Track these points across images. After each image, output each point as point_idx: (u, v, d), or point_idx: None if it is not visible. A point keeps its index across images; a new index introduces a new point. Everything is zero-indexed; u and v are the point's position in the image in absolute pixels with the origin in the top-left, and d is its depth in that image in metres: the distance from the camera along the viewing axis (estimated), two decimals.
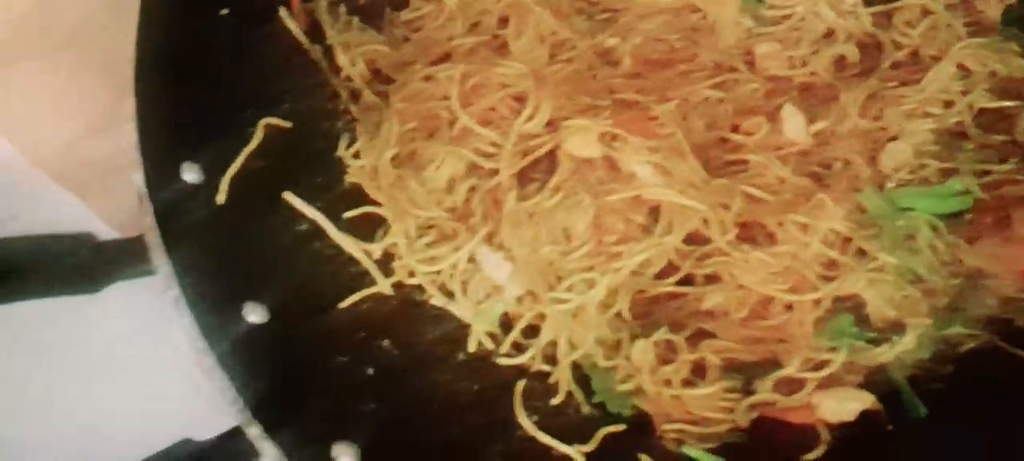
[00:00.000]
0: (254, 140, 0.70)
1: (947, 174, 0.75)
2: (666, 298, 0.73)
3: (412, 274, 0.72)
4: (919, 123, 0.77)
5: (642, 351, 0.70)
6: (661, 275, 0.72)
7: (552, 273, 0.71)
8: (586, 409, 0.69)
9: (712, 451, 0.67)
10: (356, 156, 0.76)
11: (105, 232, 0.75)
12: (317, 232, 0.71)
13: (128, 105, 0.63)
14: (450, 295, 0.72)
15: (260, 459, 0.59)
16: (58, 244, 0.67)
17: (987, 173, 0.75)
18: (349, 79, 0.79)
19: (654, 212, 0.72)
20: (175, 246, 0.61)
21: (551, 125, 0.74)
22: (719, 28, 0.81)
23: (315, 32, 0.79)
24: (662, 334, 0.70)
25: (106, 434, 0.75)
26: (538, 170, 0.74)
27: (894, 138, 0.77)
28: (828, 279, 0.71)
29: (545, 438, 0.67)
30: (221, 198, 0.67)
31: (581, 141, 0.72)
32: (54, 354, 0.77)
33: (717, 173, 0.74)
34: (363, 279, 0.71)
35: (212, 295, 0.61)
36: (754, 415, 0.69)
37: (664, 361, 0.70)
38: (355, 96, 0.78)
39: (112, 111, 0.79)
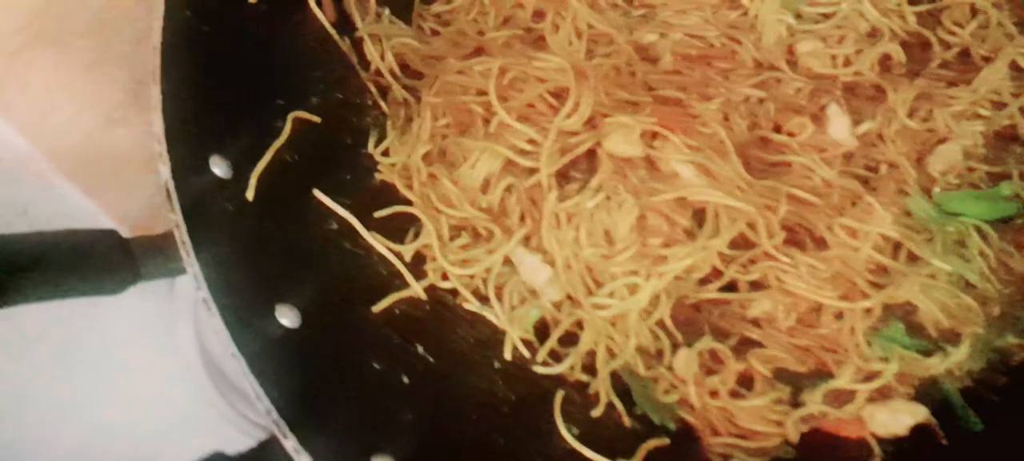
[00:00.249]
0: (283, 134, 0.67)
1: (995, 178, 0.73)
2: (709, 305, 0.70)
3: (445, 277, 0.70)
4: (969, 125, 0.75)
5: (686, 361, 0.67)
6: (703, 281, 0.70)
7: (590, 277, 0.68)
8: (628, 421, 0.67)
9: None
10: (385, 153, 0.73)
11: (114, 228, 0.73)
12: (347, 231, 0.69)
13: (152, 94, 0.60)
14: (484, 299, 0.70)
15: None
16: (72, 239, 0.63)
17: None
18: (378, 73, 0.76)
19: (698, 214, 0.69)
20: (204, 243, 0.58)
21: (590, 122, 0.71)
22: (759, 25, 0.79)
23: (344, 23, 0.75)
24: (707, 343, 0.67)
25: (104, 443, 0.75)
26: (577, 169, 0.71)
27: (943, 140, 0.75)
28: (877, 286, 0.68)
29: (589, 453, 0.64)
30: (250, 194, 0.63)
31: (622, 139, 0.69)
32: (52, 358, 0.77)
33: (759, 175, 0.71)
34: (395, 280, 0.69)
35: (242, 296, 0.59)
36: (804, 428, 0.66)
37: (708, 371, 0.68)
38: (384, 91, 0.75)
39: (130, 102, 0.77)
